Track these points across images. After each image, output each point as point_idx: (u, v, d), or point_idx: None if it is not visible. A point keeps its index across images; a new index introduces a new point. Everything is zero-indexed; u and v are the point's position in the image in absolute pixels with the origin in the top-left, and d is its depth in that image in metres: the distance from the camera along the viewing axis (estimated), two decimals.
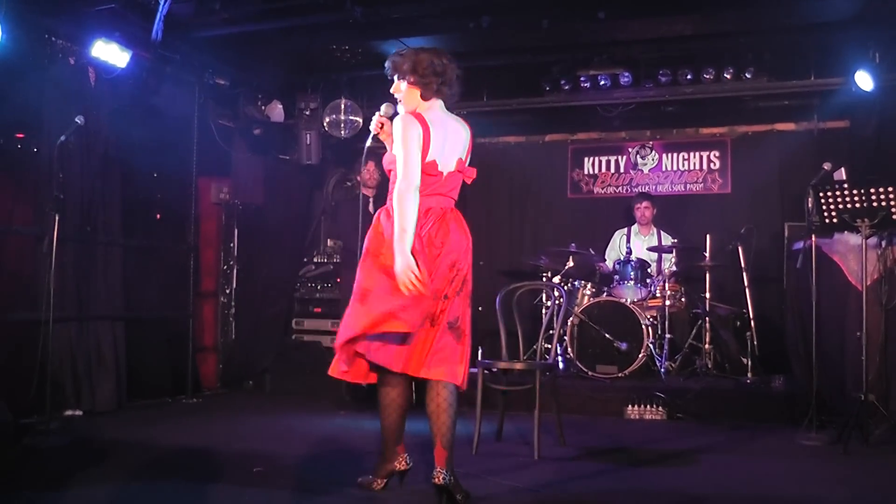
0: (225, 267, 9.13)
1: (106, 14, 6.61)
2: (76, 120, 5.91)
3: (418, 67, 4.17)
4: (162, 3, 6.46)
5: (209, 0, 6.81)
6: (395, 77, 4.24)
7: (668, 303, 7.86)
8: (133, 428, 6.33)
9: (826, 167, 6.12)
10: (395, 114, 4.23)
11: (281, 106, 8.68)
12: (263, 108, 8.69)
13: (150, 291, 7.79)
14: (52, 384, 6.00)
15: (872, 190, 5.58)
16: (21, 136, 6.81)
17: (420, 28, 7.33)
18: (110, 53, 6.74)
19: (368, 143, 4.41)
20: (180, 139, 8.05)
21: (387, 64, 4.28)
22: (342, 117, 8.56)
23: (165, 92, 7.65)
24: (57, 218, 5.79)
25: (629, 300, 7.80)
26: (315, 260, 9.18)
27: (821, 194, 5.76)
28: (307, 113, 8.52)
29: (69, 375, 6.76)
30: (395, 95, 4.26)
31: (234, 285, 9.12)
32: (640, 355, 7.49)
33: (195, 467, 4.99)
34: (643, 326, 7.51)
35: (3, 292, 6.53)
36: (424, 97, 4.20)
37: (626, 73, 8.25)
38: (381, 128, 4.30)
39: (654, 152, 9.63)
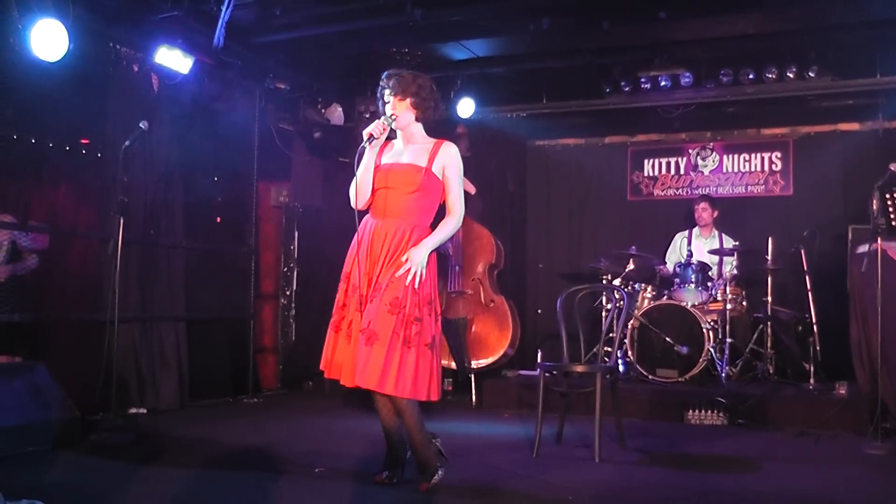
0: (285, 269, 9.23)
1: (169, 22, 6.71)
2: (140, 125, 5.96)
3: (422, 91, 4.31)
4: (224, 9, 6.53)
5: (270, 6, 6.89)
6: (393, 96, 4.31)
7: (729, 306, 7.76)
8: (196, 426, 6.45)
9: (892, 168, 5.96)
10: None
11: (340, 109, 8.74)
12: (323, 111, 8.75)
13: (210, 293, 7.91)
14: (118, 383, 6.10)
15: None
16: (86, 141, 6.97)
17: (479, 30, 7.31)
18: (173, 60, 6.87)
19: (367, 147, 4.41)
20: (241, 143, 8.17)
21: (389, 82, 4.33)
22: None
23: (226, 97, 7.80)
24: (122, 221, 5.88)
25: (690, 303, 7.72)
26: None
27: (887, 196, 5.65)
28: (367, 115, 8.56)
29: (133, 375, 6.92)
30: (389, 112, 4.31)
31: (295, 287, 9.20)
32: (701, 359, 7.41)
33: (257, 465, 5.04)
34: (704, 330, 7.42)
35: (69, 294, 6.69)
36: (418, 118, 4.38)
37: (687, 74, 8.15)
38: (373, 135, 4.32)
39: (714, 153, 9.52)
